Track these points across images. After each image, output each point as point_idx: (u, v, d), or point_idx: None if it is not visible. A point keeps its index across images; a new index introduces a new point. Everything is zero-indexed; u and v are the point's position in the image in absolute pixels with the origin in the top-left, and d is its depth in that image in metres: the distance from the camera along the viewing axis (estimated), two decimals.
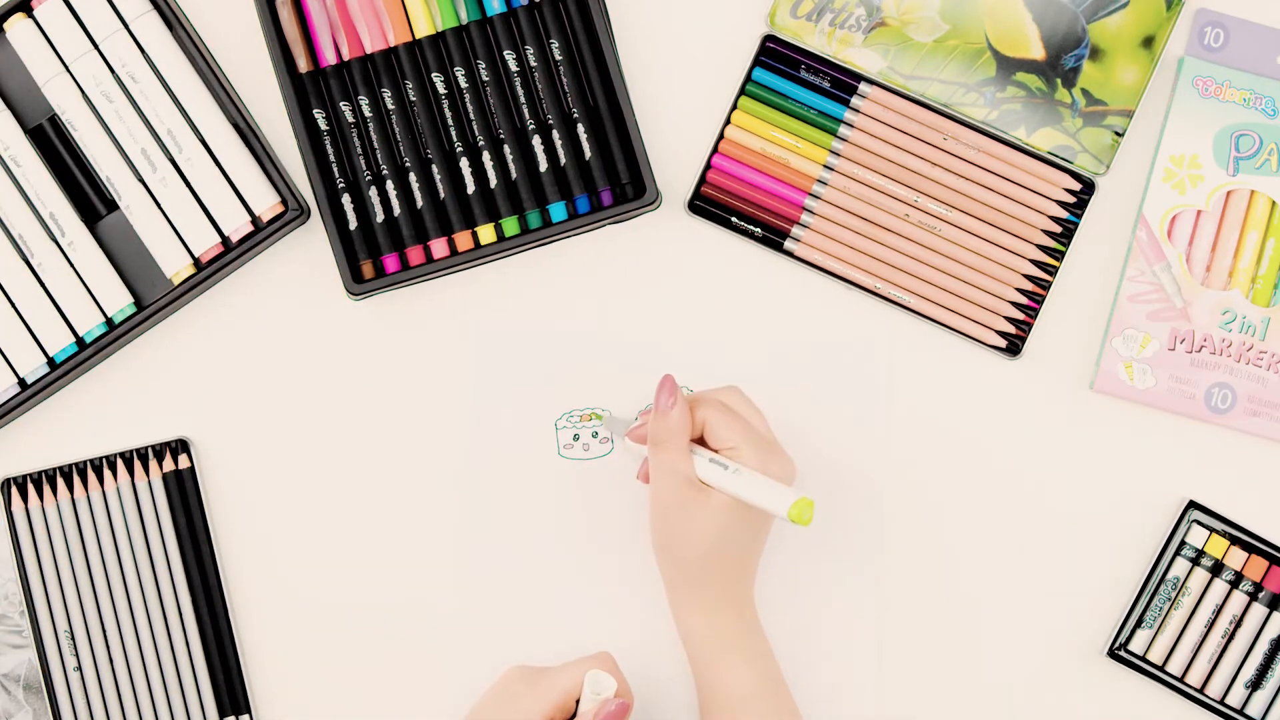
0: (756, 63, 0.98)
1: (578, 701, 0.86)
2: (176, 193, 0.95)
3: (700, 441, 0.90)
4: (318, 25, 0.96)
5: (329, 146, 0.96)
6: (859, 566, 0.97)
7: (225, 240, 0.96)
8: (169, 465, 0.96)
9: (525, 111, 0.97)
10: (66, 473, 0.96)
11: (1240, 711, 0.96)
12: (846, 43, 0.98)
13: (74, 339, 0.95)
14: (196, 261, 0.96)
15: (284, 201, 0.96)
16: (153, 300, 0.96)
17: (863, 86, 0.98)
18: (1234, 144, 0.97)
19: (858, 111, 0.98)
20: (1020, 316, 0.98)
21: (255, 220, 0.96)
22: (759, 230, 0.98)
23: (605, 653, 0.88)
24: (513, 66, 0.97)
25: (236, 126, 0.96)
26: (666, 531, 0.89)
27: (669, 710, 0.96)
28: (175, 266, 0.95)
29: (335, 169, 0.96)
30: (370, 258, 0.96)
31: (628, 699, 0.86)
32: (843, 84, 0.98)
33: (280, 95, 0.96)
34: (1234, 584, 0.97)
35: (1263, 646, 0.96)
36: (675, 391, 0.88)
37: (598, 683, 0.85)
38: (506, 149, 0.96)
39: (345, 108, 0.96)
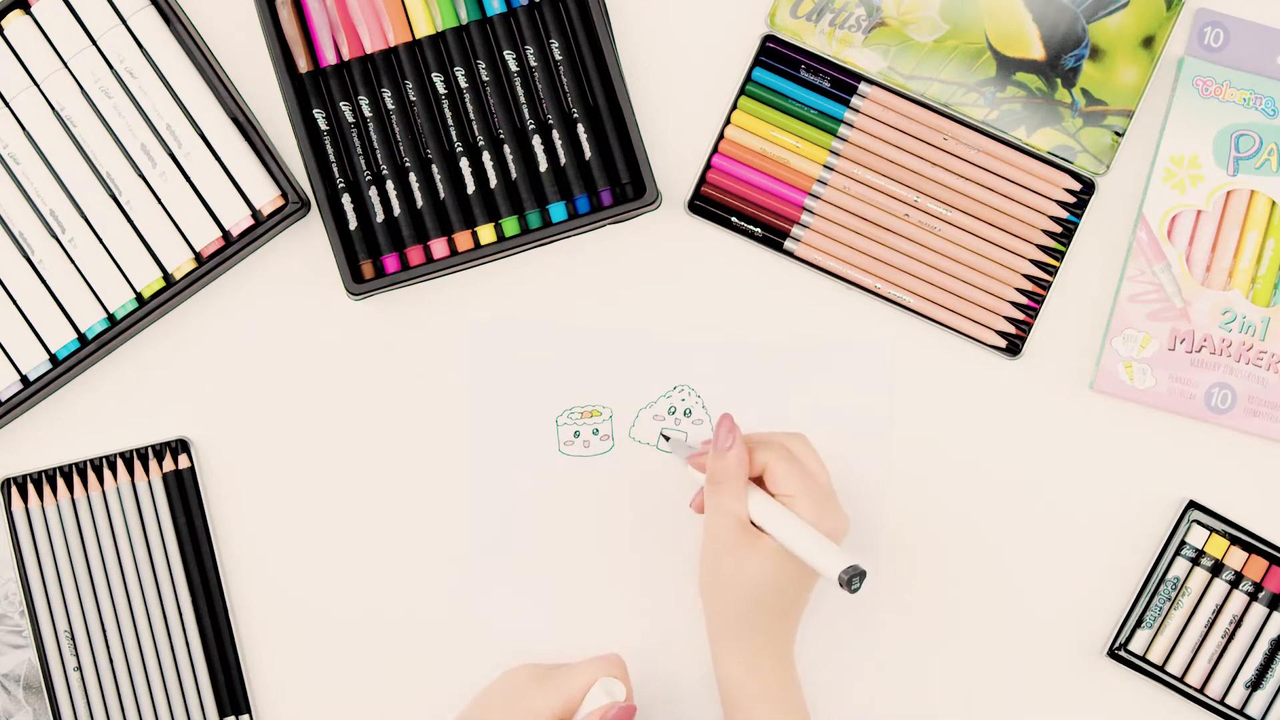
0: (756, 63, 0.98)
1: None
2: (176, 187, 0.95)
3: (760, 483, 0.88)
4: (318, 25, 0.96)
5: (329, 146, 0.96)
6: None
7: (226, 234, 0.96)
8: (169, 465, 0.96)
9: (525, 111, 0.97)
10: (66, 473, 0.96)
11: (1240, 711, 0.96)
12: (846, 43, 0.98)
13: (76, 335, 0.95)
14: (198, 256, 0.96)
15: (284, 194, 0.96)
16: (153, 295, 0.96)
17: (863, 86, 0.98)
18: (1234, 144, 0.97)
19: (858, 111, 0.98)
20: (1020, 316, 0.98)
21: (256, 214, 0.96)
22: (759, 230, 0.98)
23: (615, 655, 0.86)
24: (513, 66, 0.97)
25: (235, 120, 0.96)
26: (714, 571, 0.87)
27: (668, 710, 0.96)
28: (176, 261, 0.95)
29: (335, 169, 0.96)
30: (370, 257, 0.96)
31: (631, 704, 0.85)
32: (843, 84, 0.98)
33: (280, 95, 0.96)
34: (1234, 584, 0.96)
35: (1263, 646, 0.96)
36: (734, 431, 0.86)
37: (610, 689, 0.85)
38: (506, 149, 0.96)
39: (345, 108, 0.96)
